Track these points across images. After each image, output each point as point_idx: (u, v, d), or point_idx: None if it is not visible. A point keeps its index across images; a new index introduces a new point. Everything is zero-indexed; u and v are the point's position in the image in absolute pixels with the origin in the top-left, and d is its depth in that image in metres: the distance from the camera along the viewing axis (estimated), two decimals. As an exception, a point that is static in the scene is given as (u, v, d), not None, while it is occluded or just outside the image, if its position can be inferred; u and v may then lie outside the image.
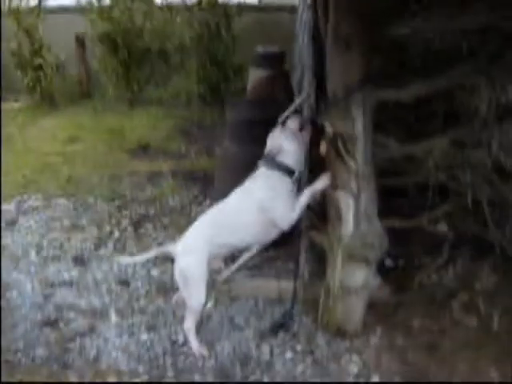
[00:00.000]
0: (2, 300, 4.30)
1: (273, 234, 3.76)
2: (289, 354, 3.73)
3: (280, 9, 9.38)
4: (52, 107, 9.46)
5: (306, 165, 3.72)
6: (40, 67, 9.33)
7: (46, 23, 9.43)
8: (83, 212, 5.77)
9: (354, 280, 3.72)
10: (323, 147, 3.66)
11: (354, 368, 3.60)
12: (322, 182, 3.67)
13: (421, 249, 4.74)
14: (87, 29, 9.22)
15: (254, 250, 4.25)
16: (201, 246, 3.60)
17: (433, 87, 3.41)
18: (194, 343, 3.71)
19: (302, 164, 3.72)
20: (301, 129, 3.75)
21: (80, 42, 9.67)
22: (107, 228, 5.41)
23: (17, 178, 6.63)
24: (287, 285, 4.21)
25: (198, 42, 8.96)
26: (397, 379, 3.51)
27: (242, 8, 9.04)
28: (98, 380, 3.53)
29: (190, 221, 3.91)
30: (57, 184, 6.50)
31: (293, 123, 3.77)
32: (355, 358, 3.68)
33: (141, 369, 3.62)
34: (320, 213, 4.04)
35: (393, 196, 4.18)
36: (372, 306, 3.97)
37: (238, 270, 4.39)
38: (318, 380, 3.51)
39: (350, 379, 3.51)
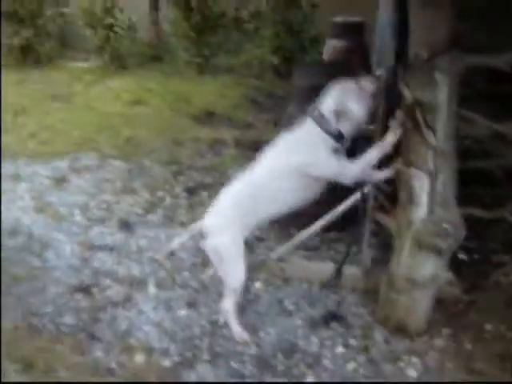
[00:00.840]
0: (38, 259, 3.99)
1: (318, 190, 3.32)
2: (340, 349, 3.29)
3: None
4: (120, 69, 9.19)
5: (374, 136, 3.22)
6: (111, 26, 9.07)
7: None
8: (137, 175, 5.45)
9: (422, 271, 3.24)
10: (399, 117, 3.15)
11: (412, 372, 3.13)
12: (392, 136, 3.19)
13: (500, 244, 4.19)
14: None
15: (312, 229, 3.82)
16: (234, 220, 3.22)
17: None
18: (235, 326, 3.33)
19: (358, 132, 3.24)
20: (374, 94, 3.24)
21: (154, 4, 9.34)
22: (160, 193, 5.05)
23: (73, 136, 6.35)
24: (347, 270, 3.76)
25: (274, 10, 8.47)
26: (463, 390, 3.00)
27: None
28: (124, 355, 3.16)
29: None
30: (114, 144, 6.21)
31: (367, 84, 3.24)
32: (415, 360, 3.21)
33: (173, 349, 3.24)
34: (390, 194, 3.56)
35: (474, 182, 3.67)
36: (440, 304, 3.50)
37: (295, 248, 3.96)
38: (372, 381, 3.04)
39: (409, 385, 3.02)
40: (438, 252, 3.18)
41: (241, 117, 7.20)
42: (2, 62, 8.65)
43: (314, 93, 3.89)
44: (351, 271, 3.81)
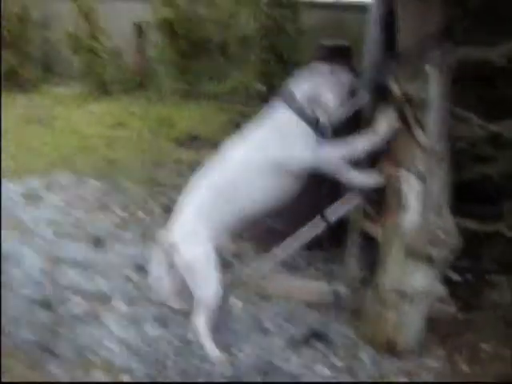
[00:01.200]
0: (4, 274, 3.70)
1: (296, 186, 3.00)
2: (322, 369, 2.98)
3: (352, 7, 8.64)
4: (104, 95, 8.96)
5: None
6: (95, 51, 8.84)
7: (104, 10, 8.99)
8: (114, 195, 5.15)
9: (413, 283, 2.97)
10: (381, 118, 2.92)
11: (402, 394, 2.81)
12: (385, 123, 2.91)
13: (495, 263, 3.91)
14: (147, 15, 8.71)
15: (292, 244, 3.53)
16: (204, 226, 2.90)
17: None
18: (209, 345, 3.00)
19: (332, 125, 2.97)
20: (352, 92, 2.99)
21: (138, 30, 9.19)
22: (137, 213, 4.76)
23: (50, 156, 6.08)
24: (330, 289, 3.48)
25: (262, 36, 8.31)
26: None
27: (312, 4, 8.36)
28: (80, 373, 2.84)
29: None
30: (92, 165, 5.92)
31: (343, 75, 3.03)
32: (405, 381, 2.89)
33: (139, 367, 2.93)
34: (377, 202, 3.29)
35: (468, 192, 3.43)
36: (433, 323, 3.21)
37: (274, 265, 3.67)
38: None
39: (398, 408, 2.71)
40: (429, 261, 2.92)
41: (225, 141, 6.92)
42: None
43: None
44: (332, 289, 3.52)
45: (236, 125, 7.33)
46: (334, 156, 2.89)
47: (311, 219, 3.43)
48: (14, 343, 3.08)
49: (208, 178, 2.96)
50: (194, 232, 2.90)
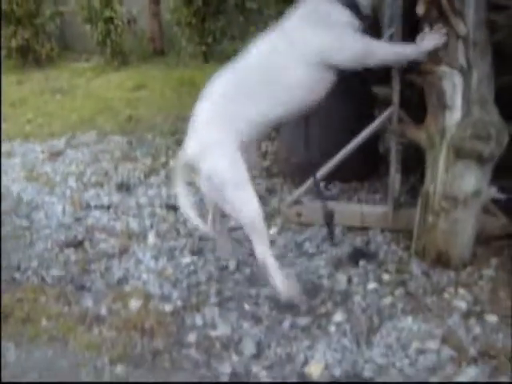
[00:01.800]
0: (26, 220, 3.54)
1: (330, 84, 2.62)
2: (372, 285, 2.76)
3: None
4: (122, 65, 8.77)
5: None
6: (111, 20, 8.65)
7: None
8: (138, 146, 4.96)
9: (463, 186, 2.74)
10: (421, 4, 2.67)
11: (461, 303, 2.60)
12: (433, 39, 2.63)
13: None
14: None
15: (325, 170, 3.30)
16: (225, 130, 2.46)
17: None
18: (279, 278, 2.55)
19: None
20: None
21: (152, -6, 8.97)
22: (162, 159, 4.58)
23: (71, 118, 5.92)
24: (372, 210, 3.26)
25: (279, -12, 8.03)
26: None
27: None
28: (117, 304, 2.67)
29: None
30: (115, 124, 5.73)
31: None
32: (463, 291, 2.70)
33: (175, 294, 2.74)
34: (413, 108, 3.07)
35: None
36: (485, 237, 3.01)
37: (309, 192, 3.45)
38: (412, 316, 2.52)
39: (458, 316, 2.50)
40: (479, 159, 2.69)
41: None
42: (2, 65, 8.31)
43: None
44: (379, 210, 3.30)
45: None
46: (385, 48, 2.64)
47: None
48: (42, 280, 2.91)
49: (231, 71, 2.58)
50: (216, 137, 2.46)
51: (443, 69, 2.70)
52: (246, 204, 2.51)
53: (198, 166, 2.47)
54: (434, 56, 2.71)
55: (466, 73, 2.66)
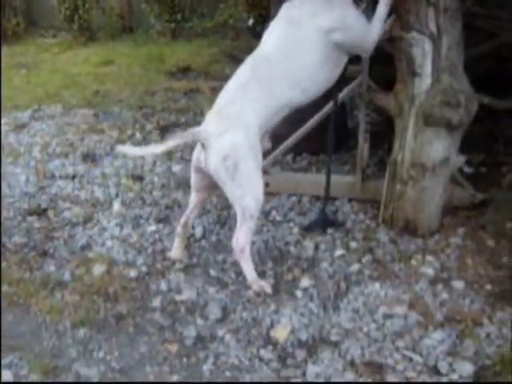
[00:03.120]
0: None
1: (341, 68, 2.66)
2: (339, 252, 2.75)
3: None
4: (90, 41, 8.62)
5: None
6: (78, -5, 8.48)
7: None
8: (104, 119, 4.87)
9: (431, 153, 2.74)
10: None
11: (428, 270, 2.60)
12: None
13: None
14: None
15: (290, 141, 3.26)
16: (248, 115, 2.49)
17: None
18: (249, 270, 2.55)
19: None
20: None
21: (121, -31, 8.79)
22: (129, 131, 4.50)
23: (36, 92, 5.78)
24: (340, 180, 3.24)
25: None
26: (487, 286, 2.48)
27: None
28: (81, 270, 2.61)
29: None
30: (82, 98, 5.62)
31: None
32: (430, 258, 2.70)
33: (140, 260, 2.69)
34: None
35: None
36: (453, 208, 3.04)
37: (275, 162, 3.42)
38: (379, 282, 2.51)
39: (425, 282, 2.50)
40: (448, 126, 2.69)
41: (218, 69, 6.65)
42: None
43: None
44: (346, 180, 3.28)
45: (229, 56, 7.10)
46: (375, 31, 2.61)
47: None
48: (5, 247, 2.83)
49: (251, 60, 2.61)
50: (238, 119, 2.48)
51: (413, 35, 2.69)
52: (252, 190, 2.50)
53: (215, 143, 2.44)
54: (405, 22, 2.68)
55: (435, 39, 2.66)
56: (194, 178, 2.66)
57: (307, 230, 2.96)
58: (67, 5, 8.58)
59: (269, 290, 2.50)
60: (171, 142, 2.48)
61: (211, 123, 2.50)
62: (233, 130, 2.45)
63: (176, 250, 2.74)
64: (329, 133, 2.95)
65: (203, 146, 2.47)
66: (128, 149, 2.72)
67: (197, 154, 2.55)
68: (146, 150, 2.68)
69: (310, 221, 3.02)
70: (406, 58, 2.73)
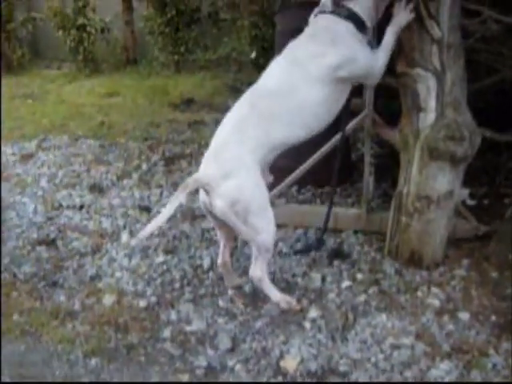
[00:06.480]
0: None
1: (343, 101, 2.67)
2: (346, 283, 2.79)
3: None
4: (95, 73, 8.73)
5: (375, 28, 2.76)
6: (83, 27, 8.61)
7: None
8: (110, 150, 4.94)
9: (436, 186, 2.79)
10: (397, 7, 2.72)
11: (434, 301, 2.64)
12: (404, 15, 2.65)
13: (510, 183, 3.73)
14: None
15: (294, 176, 3.31)
16: (248, 153, 2.46)
17: None
18: (275, 293, 2.62)
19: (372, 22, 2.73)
20: None
21: (127, 3, 8.93)
22: (135, 162, 4.56)
23: (42, 122, 5.86)
24: (345, 212, 3.29)
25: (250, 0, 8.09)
26: (492, 317, 2.52)
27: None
28: (91, 300, 2.64)
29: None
30: (88, 128, 5.69)
31: None
32: (436, 290, 2.73)
33: (149, 291, 2.73)
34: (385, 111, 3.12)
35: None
36: (457, 240, 3.09)
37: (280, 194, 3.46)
38: (386, 313, 2.55)
39: (431, 314, 2.53)
40: (452, 160, 2.75)
41: (220, 102, 6.74)
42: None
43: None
44: (351, 212, 3.33)
45: (231, 88, 7.20)
46: (382, 60, 2.63)
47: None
48: (16, 277, 2.87)
49: (249, 96, 2.59)
50: (239, 160, 2.45)
51: (418, 71, 2.76)
52: (265, 226, 2.51)
53: (217, 188, 2.42)
54: (410, 59, 2.75)
55: (440, 75, 2.72)
56: (209, 218, 2.64)
57: (297, 253, 3.04)
58: (72, 37, 8.67)
59: (297, 306, 2.58)
60: (176, 201, 2.43)
61: (210, 167, 2.48)
62: (234, 173, 2.43)
63: (232, 282, 2.77)
64: (335, 164, 2.98)
65: (206, 191, 2.46)
66: (148, 228, 2.53)
67: (202, 198, 2.53)
68: (160, 219, 2.49)
69: (316, 253, 3.04)
70: (410, 93, 2.79)
